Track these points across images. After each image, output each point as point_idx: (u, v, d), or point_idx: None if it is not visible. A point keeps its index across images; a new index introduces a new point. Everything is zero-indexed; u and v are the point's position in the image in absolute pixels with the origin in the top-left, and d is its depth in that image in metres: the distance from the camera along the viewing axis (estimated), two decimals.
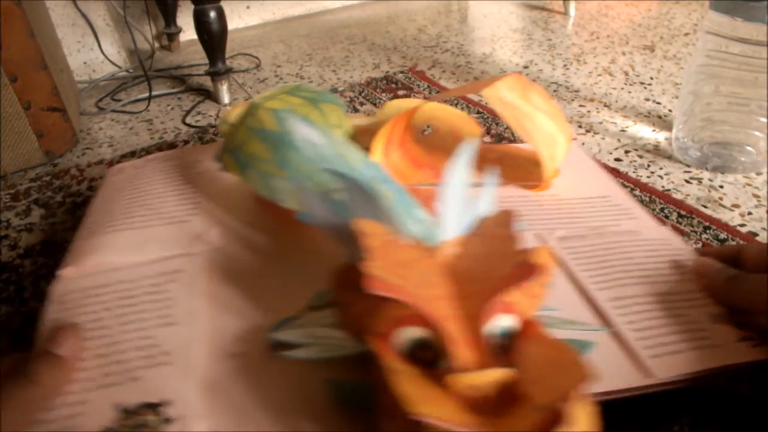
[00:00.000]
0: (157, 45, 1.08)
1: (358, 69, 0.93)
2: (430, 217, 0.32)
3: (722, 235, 0.46)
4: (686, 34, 1.00)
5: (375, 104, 0.77)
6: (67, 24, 0.97)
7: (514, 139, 0.64)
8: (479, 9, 1.25)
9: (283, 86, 0.47)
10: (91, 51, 1.00)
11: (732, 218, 0.49)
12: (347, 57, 0.99)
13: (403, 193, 0.33)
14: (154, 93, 0.84)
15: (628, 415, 0.29)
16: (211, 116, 0.78)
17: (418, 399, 0.21)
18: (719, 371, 0.29)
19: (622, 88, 0.78)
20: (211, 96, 0.84)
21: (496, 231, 0.31)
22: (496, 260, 0.28)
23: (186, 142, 0.69)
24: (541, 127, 0.44)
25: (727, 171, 0.56)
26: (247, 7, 1.21)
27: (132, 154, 0.67)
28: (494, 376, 0.23)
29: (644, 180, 0.56)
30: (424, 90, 0.80)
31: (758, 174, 0.56)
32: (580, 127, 0.68)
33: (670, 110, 0.71)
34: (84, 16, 0.97)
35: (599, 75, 0.84)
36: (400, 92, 0.80)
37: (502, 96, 0.44)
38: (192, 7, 0.74)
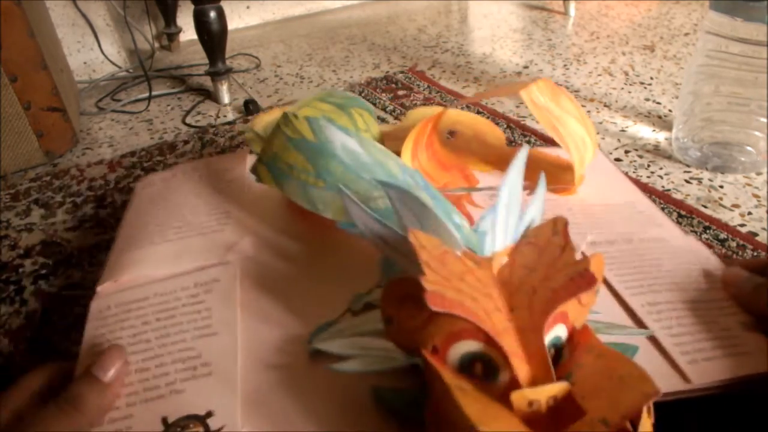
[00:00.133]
0: (157, 45, 1.08)
1: (358, 69, 0.93)
2: (467, 223, 0.31)
3: (722, 235, 0.46)
4: (686, 34, 1.00)
5: (375, 104, 0.77)
6: (67, 24, 0.97)
7: (532, 145, 0.64)
8: (479, 9, 1.25)
9: (315, 93, 0.47)
10: (91, 51, 1.00)
11: (732, 218, 0.49)
12: (347, 57, 0.99)
13: (441, 200, 0.33)
14: (154, 93, 0.84)
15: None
16: (211, 116, 0.78)
17: (481, 417, 0.21)
18: (751, 379, 0.29)
19: (622, 88, 0.78)
20: (211, 96, 0.84)
21: (549, 239, 0.30)
22: (550, 270, 0.28)
23: (186, 142, 0.69)
24: (573, 131, 0.45)
25: (727, 171, 0.56)
26: (247, 7, 1.21)
27: (132, 154, 0.67)
28: (556, 390, 0.22)
29: (644, 180, 0.56)
30: (424, 90, 0.80)
31: (758, 174, 0.56)
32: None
33: (670, 110, 0.71)
34: (84, 16, 0.97)
35: (599, 75, 0.84)
36: (400, 92, 0.80)
37: (535, 98, 0.44)
38: (192, 7, 0.74)
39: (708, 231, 0.47)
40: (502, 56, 0.95)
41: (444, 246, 0.28)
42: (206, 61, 0.79)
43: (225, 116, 0.78)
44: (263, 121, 0.46)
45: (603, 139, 0.65)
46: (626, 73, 0.84)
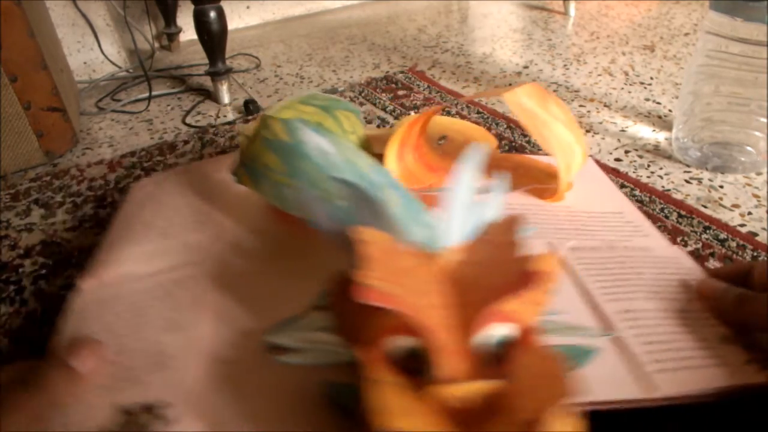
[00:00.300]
0: (157, 45, 1.08)
1: (358, 69, 0.93)
2: (439, 222, 0.32)
3: (722, 235, 0.46)
4: (686, 34, 1.00)
5: (375, 104, 0.77)
6: (67, 24, 0.97)
7: (527, 149, 0.64)
8: (479, 9, 1.25)
9: (297, 96, 0.47)
10: (91, 51, 1.00)
11: (732, 218, 0.49)
12: (347, 57, 0.99)
13: (410, 199, 0.33)
14: (154, 93, 0.84)
15: (616, 425, 0.29)
16: (211, 116, 0.78)
17: (393, 411, 0.21)
18: (725, 391, 0.28)
19: (622, 88, 0.78)
20: (211, 96, 0.84)
21: (501, 237, 0.31)
22: (499, 268, 0.28)
23: (186, 142, 0.69)
24: (560, 137, 0.44)
25: (727, 171, 0.56)
26: (247, 7, 1.21)
27: (132, 154, 0.67)
28: (477, 387, 0.22)
29: (644, 180, 0.56)
30: (424, 90, 0.80)
31: (758, 174, 0.56)
32: (580, 126, 0.68)
33: (670, 110, 0.71)
34: (84, 16, 0.97)
35: (599, 75, 0.84)
36: (400, 92, 0.80)
37: (521, 102, 0.44)
38: (192, 7, 0.74)
39: (708, 231, 0.47)
40: (502, 56, 0.95)
41: (394, 242, 0.29)
42: (206, 61, 0.79)
43: (225, 116, 0.78)
44: (255, 126, 0.46)
45: (603, 139, 0.65)
46: (626, 73, 0.84)
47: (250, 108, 0.77)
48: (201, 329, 0.33)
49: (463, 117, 0.71)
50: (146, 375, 0.29)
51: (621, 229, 0.43)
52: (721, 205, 0.51)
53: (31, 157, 0.65)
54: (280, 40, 1.11)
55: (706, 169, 0.57)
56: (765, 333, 0.31)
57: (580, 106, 0.73)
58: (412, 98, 0.78)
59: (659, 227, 0.48)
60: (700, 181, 0.55)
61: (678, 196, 0.53)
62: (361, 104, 0.77)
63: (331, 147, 0.36)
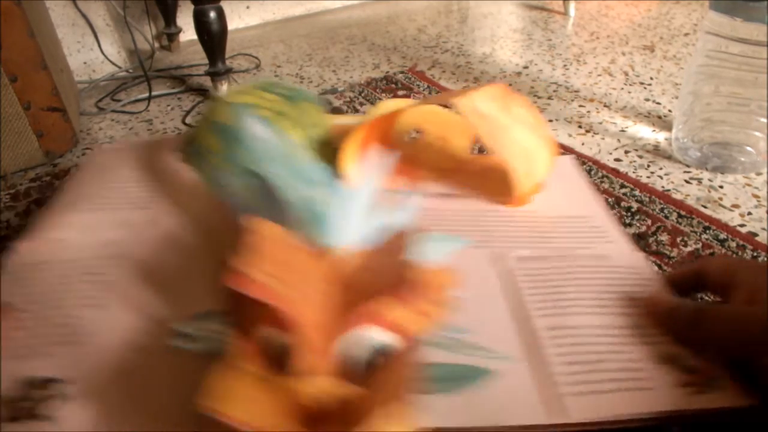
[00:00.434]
0: (157, 45, 1.08)
1: (358, 69, 0.93)
2: (336, 223, 0.32)
3: (722, 236, 0.46)
4: (686, 34, 1.00)
5: (375, 104, 0.76)
6: (67, 24, 0.97)
7: None
8: (479, 9, 1.25)
9: (260, 81, 0.46)
10: (91, 51, 1.00)
11: (732, 218, 0.49)
12: (347, 57, 0.99)
13: (344, 198, 0.33)
14: (154, 93, 0.84)
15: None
16: None
17: (231, 397, 0.21)
18: (653, 417, 0.27)
19: (622, 88, 0.78)
20: (211, 96, 0.84)
21: (394, 248, 0.30)
22: (386, 277, 0.28)
23: None
24: (519, 141, 0.43)
25: (727, 171, 0.56)
26: (247, 7, 1.21)
27: None
28: (327, 387, 0.22)
29: (644, 180, 0.56)
30: (424, 90, 0.80)
31: (758, 174, 0.56)
32: (580, 127, 0.68)
33: (670, 110, 0.71)
34: (84, 16, 0.97)
35: (599, 75, 0.84)
36: (400, 92, 0.80)
37: (476, 106, 0.41)
38: (192, 7, 0.74)
39: (708, 231, 0.47)
40: (502, 56, 0.95)
41: (287, 237, 0.29)
42: (206, 61, 0.79)
43: None
44: None
45: (603, 139, 0.65)
46: (626, 73, 0.84)
47: None
48: (120, 311, 0.33)
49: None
50: (56, 348, 0.30)
51: (584, 235, 0.41)
52: (721, 205, 0.51)
53: (31, 157, 0.65)
54: (280, 40, 1.11)
55: (706, 170, 0.57)
56: (728, 353, 0.29)
57: (580, 106, 0.73)
58: (412, 98, 0.78)
59: (659, 227, 0.48)
60: (700, 181, 0.55)
61: (678, 197, 0.53)
62: (361, 104, 0.77)
63: (269, 136, 0.36)
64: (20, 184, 0.62)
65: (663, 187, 0.54)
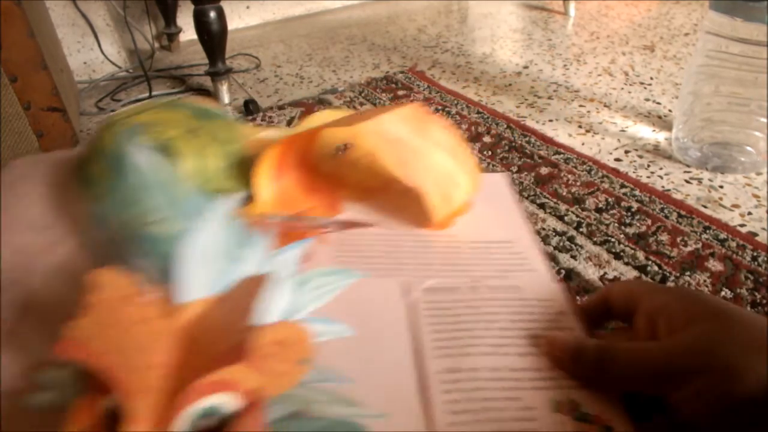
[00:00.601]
0: (157, 45, 1.08)
1: (358, 69, 0.93)
2: (176, 275, 0.29)
3: (722, 235, 0.46)
4: (686, 34, 1.00)
5: (375, 104, 0.77)
6: (67, 24, 0.97)
7: (527, 149, 0.64)
8: (479, 9, 1.25)
9: (168, 101, 0.43)
10: (91, 51, 1.00)
11: (732, 218, 0.49)
12: (347, 57, 0.99)
13: (236, 235, 0.31)
14: (154, 93, 0.84)
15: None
16: None
17: None
18: None
19: (622, 88, 0.78)
20: (211, 96, 0.84)
21: (241, 297, 0.28)
22: (228, 332, 0.26)
23: None
24: (434, 165, 0.40)
25: (727, 171, 0.56)
26: (247, 7, 1.21)
27: None
28: None
29: (644, 180, 0.56)
30: (424, 90, 0.80)
31: (758, 174, 0.56)
32: (580, 127, 0.68)
33: (670, 110, 0.71)
34: (84, 16, 0.97)
35: (599, 75, 0.84)
36: (400, 92, 0.80)
37: (384, 131, 0.39)
38: (192, 7, 0.74)
39: (708, 231, 0.47)
40: (502, 56, 0.95)
41: (133, 289, 0.26)
42: (206, 61, 0.79)
43: None
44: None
45: (603, 139, 0.65)
46: (626, 73, 0.84)
47: (250, 108, 0.77)
48: None
49: (462, 117, 0.71)
50: None
51: (502, 263, 0.39)
52: (721, 205, 0.51)
53: None
54: (280, 40, 1.11)
55: (706, 169, 0.57)
56: (635, 391, 0.27)
57: (580, 106, 0.73)
58: (412, 98, 0.78)
59: (659, 227, 0.48)
60: (700, 181, 0.55)
61: (678, 196, 0.53)
62: (361, 104, 0.77)
63: (153, 166, 0.34)
64: None
65: (663, 186, 0.54)
